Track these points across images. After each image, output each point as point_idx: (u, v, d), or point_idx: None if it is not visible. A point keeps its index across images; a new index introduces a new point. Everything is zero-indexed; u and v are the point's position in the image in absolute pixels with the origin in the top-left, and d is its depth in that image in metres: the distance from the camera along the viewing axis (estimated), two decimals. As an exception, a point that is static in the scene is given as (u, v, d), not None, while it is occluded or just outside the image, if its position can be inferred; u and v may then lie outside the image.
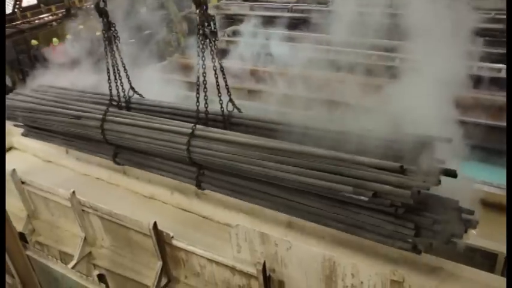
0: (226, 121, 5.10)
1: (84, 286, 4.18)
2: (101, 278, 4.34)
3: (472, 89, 8.74)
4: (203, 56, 4.68)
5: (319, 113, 5.68)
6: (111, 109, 5.77)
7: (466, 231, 3.67)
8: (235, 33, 14.09)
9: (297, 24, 13.31)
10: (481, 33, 10.97)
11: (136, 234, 4.74)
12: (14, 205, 5.48)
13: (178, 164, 5.18)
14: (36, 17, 16.29)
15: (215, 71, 4.81)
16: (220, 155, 4.63)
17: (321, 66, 9.98)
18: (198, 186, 5.07)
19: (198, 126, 4.92)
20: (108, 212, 4.86)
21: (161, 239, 4.50)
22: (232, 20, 14.77)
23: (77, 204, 5.06)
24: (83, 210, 5.11)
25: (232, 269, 4.23)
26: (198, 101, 4.89)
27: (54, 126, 6.24)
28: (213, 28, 4.61)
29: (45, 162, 6.84)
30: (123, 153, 5.76)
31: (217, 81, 4.86)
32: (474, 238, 4.50)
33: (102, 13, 5.48)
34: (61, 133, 6.31)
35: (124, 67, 5.77)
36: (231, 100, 5.08)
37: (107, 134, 5.64)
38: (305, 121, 4.74)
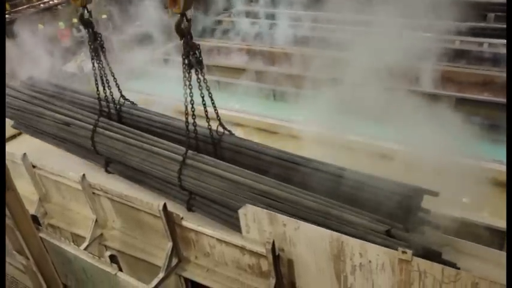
0: (216, 145, 5.17)
1: (97, 267, 4.26)
2: (113, 258, 4.42)
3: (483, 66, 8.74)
4: (190, 85, 4.70)
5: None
6: (101, 119, 5.77)
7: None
8: (241, 13, 14.01)
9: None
10: (491, 8, 10.85)
11: (146, 216, 4.80)
12: (25, 189, 5.55)
13: (170, 185, 5.24)
14: (41, 1, 16.21)
15: (202, 97, 4.83)
16: (211, 188, 4.74)
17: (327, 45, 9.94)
18: (189, 209, 5.16)
19: (189, 152, 4.97)
20: (118, 194, 4.92)
21: (171, 220, 4.54)
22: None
23: (87, 187, 5.12)
24: (93, 193, 5.17)
25: (242, 249, 4.27)
26: (188, 129, 4.92)
27: (43, 127, 6.22)
28: (198, 57, 4.62)
29: (55, 146, 6.91)
30: (115, 163, 5.84)
31: (205, 109, 4.90)
32: (483, 216, 4.52)
33: (87, 24, 5.40)
34: (52, 133, 6.32)
35: (113, 76, 5.72)
36: (221, 124, 5.15)
37: (97, 145, 5.68)
38: (297, 156, 4.86)
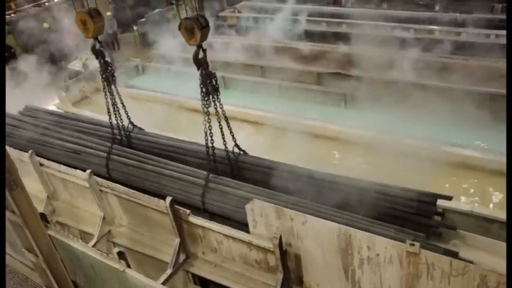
0: (233, 165, 5.24)
1: (105, 263, 4.28)
2: (121, 255, 4.44)
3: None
4: (207, 111, 4.78)
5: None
6: (115, 146, 5.82)
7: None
8: (246, 9, 14.00)
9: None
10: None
11: (153, 213, 4.81)
12: (33, 187, 5.58)
13: (190, 208, 5.10)
14: (46, 0, 16.25)
15: (219, 122, 4.91)
16: (235, 210, 4.73)
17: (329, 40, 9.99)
18: None
19: (210, 175, 5.01)
20: (125, 191, 4.94)
21: (178, 216, 4.56)
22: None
23: (94, 185, 5.15)
24: (100, 190, 5.20)
25: (249, 244, 4.28)
26: (208, 153, 4.99)
27: (50, 156, 6.21)
28: (214, 84, 4.73)
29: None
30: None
31: (222, 132, 4.96)
32: (490, 209, 4.50)
33: (99, 54, 5.45)
34: (60, 162, 6.27)
35: (122, 103, 5.78)
36: (236, 145, 5.23)
37: (112, 172, 5.69)
38: (311, 171, 4.92)
